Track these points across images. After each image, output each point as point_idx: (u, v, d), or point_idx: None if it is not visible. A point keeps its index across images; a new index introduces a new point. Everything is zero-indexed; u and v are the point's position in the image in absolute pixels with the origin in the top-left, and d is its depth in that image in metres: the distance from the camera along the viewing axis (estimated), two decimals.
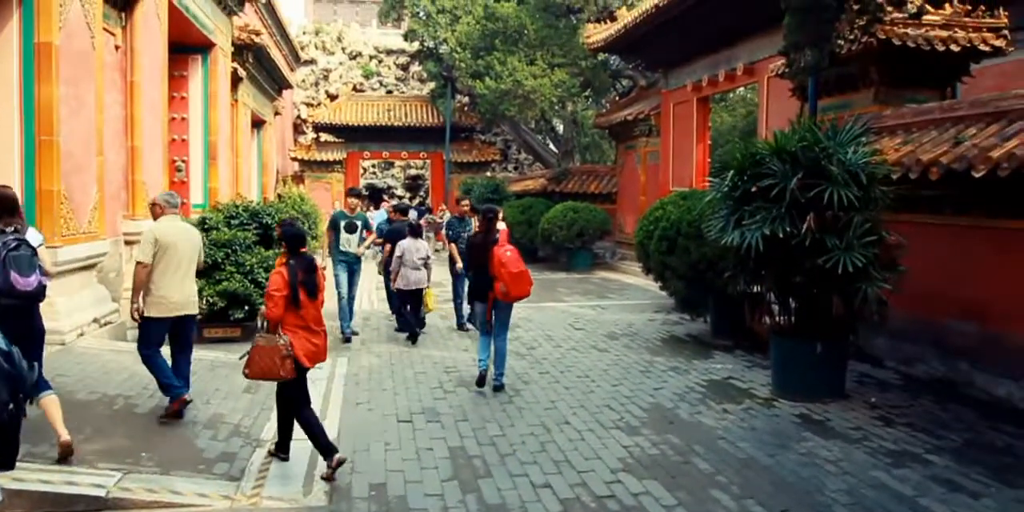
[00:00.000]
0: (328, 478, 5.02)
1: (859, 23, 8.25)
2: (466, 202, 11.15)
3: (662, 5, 14.05)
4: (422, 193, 35.53)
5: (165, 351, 6.23)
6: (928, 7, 8.48)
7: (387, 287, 10.88)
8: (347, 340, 9.58)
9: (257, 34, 17.02)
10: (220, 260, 9.00)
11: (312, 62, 35.08)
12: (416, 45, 28.42)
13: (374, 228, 10.70)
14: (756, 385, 7.51)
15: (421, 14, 26.65)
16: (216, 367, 7.67)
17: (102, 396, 6.33)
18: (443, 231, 23.65)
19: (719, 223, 7.32)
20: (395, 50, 35.38)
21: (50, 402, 4.94)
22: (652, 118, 18.20)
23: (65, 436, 4.91)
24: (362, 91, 33.02)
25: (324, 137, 29.65)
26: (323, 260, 10.06)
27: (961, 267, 7.21)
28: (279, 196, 21.03)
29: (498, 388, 7.35)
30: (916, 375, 7.67)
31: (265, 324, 5.27)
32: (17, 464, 4.31)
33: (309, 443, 5.53)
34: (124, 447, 5.31)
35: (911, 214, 7.45)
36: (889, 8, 8.26)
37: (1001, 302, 6.77)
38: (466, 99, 28.52)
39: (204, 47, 13.92)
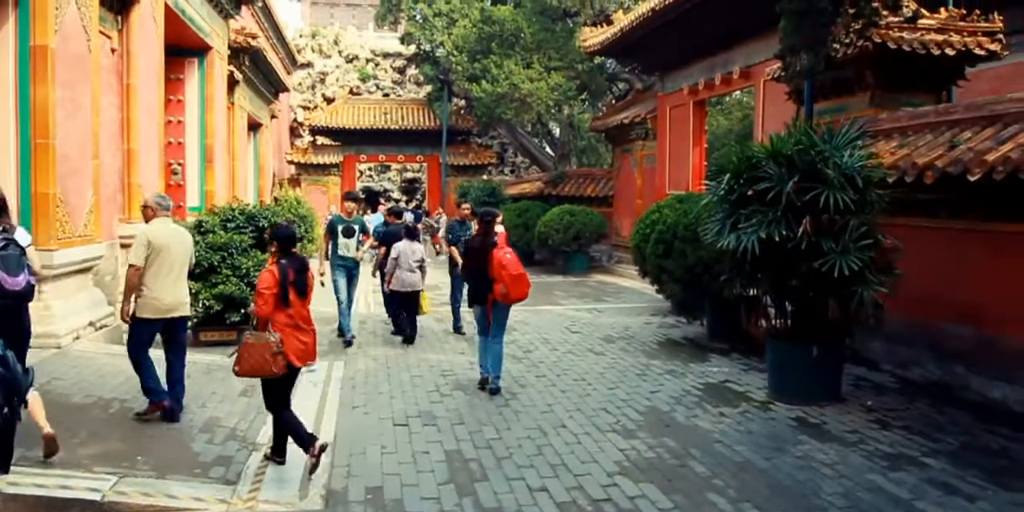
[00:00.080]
0: (313, 464, 5.07)
1: (855, 27, 8.27)
2: (467, 206, 11.14)
3: (658, 8, 14.08)
4: (419, 196, 35.55)
5: (159, 354, 6.24)
6: (923, 11, 8.51)
7: (383, 290, 10.86)
8: (348, 344, 9.55)
9: (253, 37, 17.04)
10: (216, 263, 8.98)
11: (309, 65, 35.11)
12: (413, 48, 28.46)
13: (371, 231, 10.66)
14: (752, 388, 7.51)
15: (418, 17, 26.69)
16: (212, 370, 7.65)
17: (97, 399, 6.32)
18: (440, 234, 23.73)
19: (715, 226, 7.33)
20: (392, 53, 35.44)
21: (33, 400, 4.93)
22: (648, 121, 18.21)
23: (48, 429, 4.91)
24: (359, 94, 33.03)
25: (320, 140, 29.65)
26: (320, 265, 10.05)
27: (956, 270, 7.23)
28: (275, 199, 21.03)
29: (494, 391, 7.35)
30: (912, 378, 7.68)
31: (254, 322, 5.28)
32: (12, 468, 4.31)
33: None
34: (119, 451, 5.30)
35: (907, 218, 7.47)
36: (884, 12, 8.29)
37: (996, 305, 6.78)
38: (463, 102, 28.54)
39: (200, 50, 13.93)
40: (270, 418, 5.43)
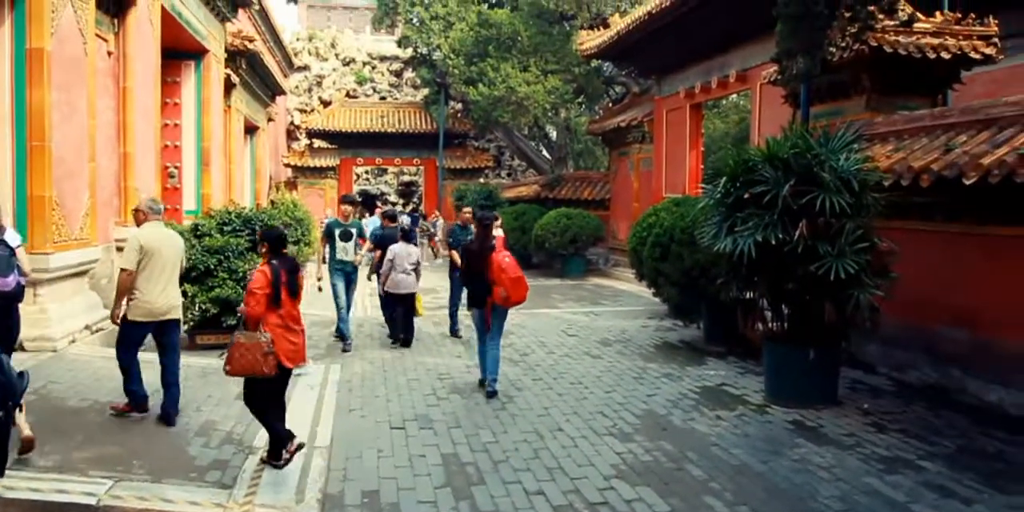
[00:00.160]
0: (287, 460, 5.18)
1: (851, 31, 8.29)
2: (468, 210, 11.14)
3: (655, 12, 14.10)
4: (415, 200, 35.53)
5: (152, 356, 6.24)
6: (919, 15, 8.53)
7: (380, 293, 10.84)
8: (346, 349, 9.52)
9: (250, 40, 17.02)
10: (213, 266, 8.96)
11: (306, 68, 35.09)
12: (409, 51, 28.48)
13: (368, 235, 10.63)
14: (749, 391, 7.51)
15: (415, 20, 26.69)
16: (207, 374, 7.63)
17: (93, 403, 6.30)
18: (437, 237, 23.70)
19: (712, 230, 7.33)
20: (389, 56, 35.43)
21: None
22: (645, 125, 18.23)
23: (27, 432, 4.91)
24: (355, 97, 33.04)
25: (317, 143, 29.65)
26: (318, 270, 10.03)
27: (952, 274, 7.24)
28: (272, 202, 20.96)
29: (491, 394, 7.35)
30: (908, 381, 7.69)
31: (243, 321, 5.29)
32: (7, 472, 4.30)
33: (302, 451, 5.53)
34: (115, 454, 5.28)
35: (903, 221, 7.48)
36: (880, 16, 8.30)
37: (992, 309, 6.80)
38: (459, 105, 28.57)
39: (197, 53, 13.92)
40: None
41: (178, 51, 13.17)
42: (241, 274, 9.06)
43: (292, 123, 33.56)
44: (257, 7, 20.30)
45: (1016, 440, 5.91)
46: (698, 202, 8.36)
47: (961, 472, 5.26)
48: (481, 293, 7.52)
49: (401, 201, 36.16)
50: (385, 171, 36.35)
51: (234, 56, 16.54)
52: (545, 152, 29.61)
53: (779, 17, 8.35)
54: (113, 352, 6.10)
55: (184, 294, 8.69)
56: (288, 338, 5.24)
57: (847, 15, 8.24)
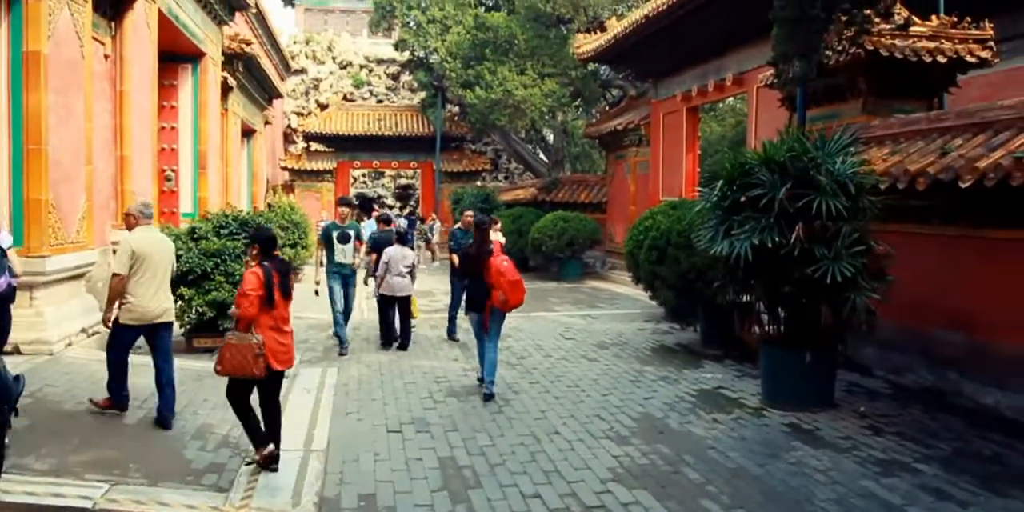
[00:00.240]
0: (253, 461, 5.23)
1: (847, 34, 8.31)
2: (470, 213, 11.15)
3: (652, 16, 14.13)
4: (412, 203, 35.54)
5: (148, 360, 6.24)
6: (915, 19, 8.55)
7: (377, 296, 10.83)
8: (342, 353, 9.49)
9: (247, 43, 17.04)
10: (209, 270, 8.94)
11: (302, 71, 35.12)
12: (406, 55, 28.51)
13: (366, 238, 10.61)
14: (746, 394, 7.52)
15: (411, 24, 26.72)
16: (203, 377, 7.62)
17: (97, 410, 6.28)
18: (434, 241, 23.68)
19: (708, 233, 7.34)
20: (385, 60, 35.47)
21: None
22: (642, 128, 18.26)
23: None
24: (352, 100, 33.09)
25: (314, 146, 29.65)
26: (316, 273, 10.01)
27: (948, 277, 7.25)
28: (269, 205, 20.98)
29: (488, 397, 7.34)
30: (905, 384, 7.70)
31: (235, 323, 5.29)
32: (3, 475, 4.29)
33: (298, 454, 5.53)
34: (111, 458, 5.27)
35: (899, 224, 7.50)
36: (876, 20, 8.32)
37: (988, 312, 6.81)
38: (456, 109, 28.60)
39: (194, 56, 13.93)
40: (262, 426, 5.41)
41: (175, 54, 13.18)
42: (238, 277, 9.04)
43: (289, 126, 33.58)
44: (254, 10, 20.31)
45: (1012, 443, 5.92)
46: (695, 205, 8.37)
47: (957, 475, 5.26)
48: (479, 297, 7.53)
49: (398, 204, 36.17)
50: (382, 174, 36.35)
51: (231, 59, 16.55)
52: (542, 155, 29.64)
53: (775, 21, 8.37)
54: None
55: (181, 297, 8.71)
56: (278, 340, 5.25)
57: (843, 19, 8.26)
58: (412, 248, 10.39)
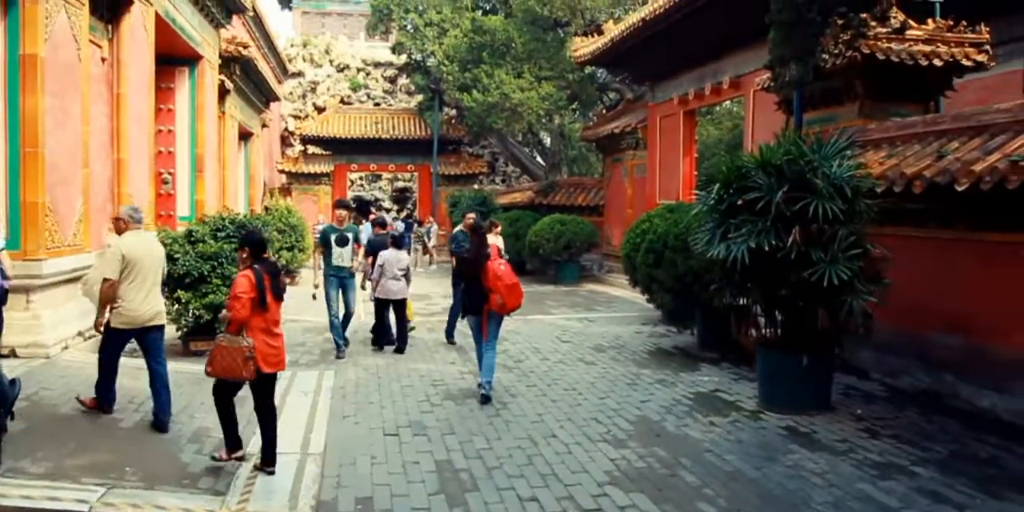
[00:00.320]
0: (220, 458, 5.31)
1: (843, 38, 8.33)
2: (471, 216, 11.16)
3: (649, 19, 14.16)
4: (410, 205, 35.52)
5: (142, 363, 6.25)
6: (911, 22, 8.57)
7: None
8: (339, 356, 9.47)
9: (245, 46, 17.03)
10: (206, 273, 8.93)
11: (300, 74, 35.08)
12: (404, 58, 28.51)
13: (363, 241, 10.60)
14: (743, 398, 7.52)
15: (409, 27, 26.73)
16: (200, 380, 7.57)
17: (86, 410, 6.27)
18: (431, 244, 23.66)
19: (705, 236, 7.35)
20: (383, 63, 35.44)
21: None
22: (639, 131, 18.30)
23: None
24: (350, 103, 33.05)
25: (312, 149, 29.63)
26: (315, 277, 9.99)
27: (945, 280, 7.26)
28: (266, 209, 20.99)
29: (485, 400, 7.34)
30: (901, 387, 7.71)
31: (225, 325, 5.31)
32: None
33: (295, 457, 5.53)
34: (108, 461, 5.26)
35: (895, 227, 7.51)
36: (873, 23, 8.34)
37: (985, 315, 6.81)
38: (453, 112, 28.60)
39: (191, 59, 13.92)
40: (258, 429, 5.41)
41: (172, 57, 13.17)
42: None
43: (286, 129, 33.55)
44: (251, 13, 20.31)
45: (1009, 446, 5.93)
46: (692, 208, 8.37)
47: (954, 477, 5.27)
48: (477, 301, 7.54)
49: (395, 207, 36.14)
50: (379, 177, 36.34)
51: (228, 62, 16.55)
52: (539, 158, 29.65)
53: (772, 24, 8.39)
54: None
55: (178, 300, 8.71)
56: (269, 342, 5.26)
57: (840, 22, 8.28)
58: (409, 252, 10.38)
